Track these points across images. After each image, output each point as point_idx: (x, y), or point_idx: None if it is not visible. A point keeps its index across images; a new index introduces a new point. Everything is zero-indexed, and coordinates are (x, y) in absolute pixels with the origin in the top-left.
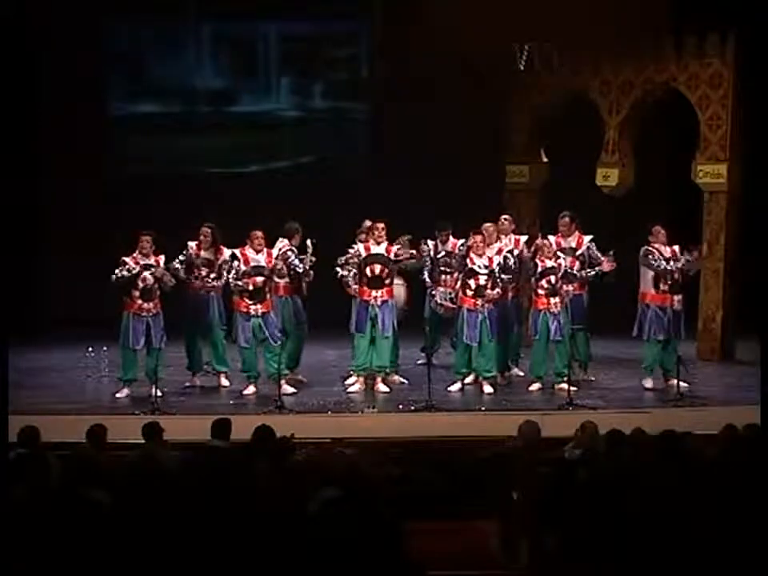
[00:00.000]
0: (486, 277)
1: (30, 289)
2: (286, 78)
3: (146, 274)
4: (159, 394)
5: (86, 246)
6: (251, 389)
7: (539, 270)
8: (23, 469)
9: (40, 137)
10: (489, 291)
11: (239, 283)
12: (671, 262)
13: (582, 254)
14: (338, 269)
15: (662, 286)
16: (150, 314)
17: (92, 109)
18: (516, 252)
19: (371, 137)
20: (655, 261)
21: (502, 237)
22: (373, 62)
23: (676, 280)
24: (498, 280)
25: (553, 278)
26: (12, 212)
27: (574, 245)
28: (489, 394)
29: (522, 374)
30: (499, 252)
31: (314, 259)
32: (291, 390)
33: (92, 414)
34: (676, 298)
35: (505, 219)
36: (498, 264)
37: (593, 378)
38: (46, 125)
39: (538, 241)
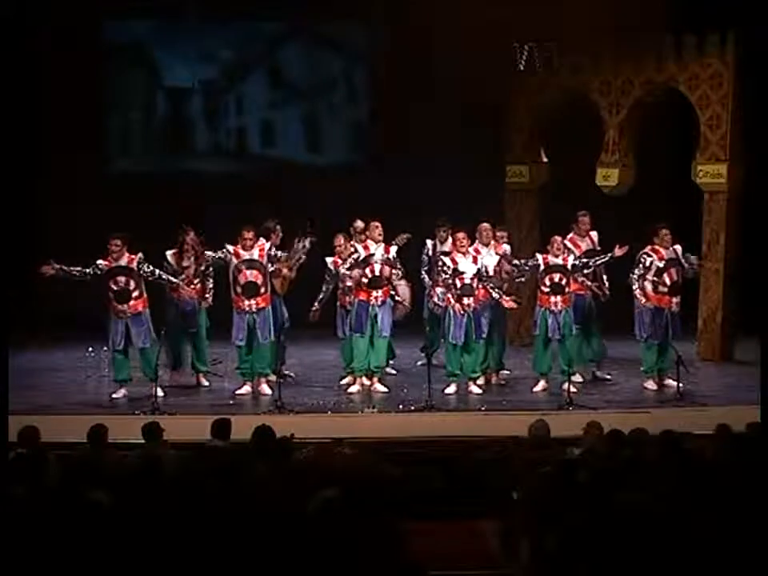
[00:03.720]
0: (470, 276)
1: (30, 289)
2: (286, 78)
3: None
4: (161, 393)
5: (85, 246)
6: (246, 388)
7: (542, 266)
8: (23, 469)
9: (40, 137)
10: (478, 291)
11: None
12: (669, 264)
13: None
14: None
15: (660, 288)
16: (127, 315)
17: (92, 109)
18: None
19: (371, 137)
20: (642, 267)
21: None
22: (373, 62)
23: (675, 281)
24: (485, 281)
25: (557, 277)
26: (12, 212)
27: (589, 245)
28: (477, 394)
29: (507, 371)
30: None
31: (303, 258)
32: (268, 390)
33: (92, 414)
34: (674, 300)
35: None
36: (483, 265)
37: (608, 377)
38: (45, 125)
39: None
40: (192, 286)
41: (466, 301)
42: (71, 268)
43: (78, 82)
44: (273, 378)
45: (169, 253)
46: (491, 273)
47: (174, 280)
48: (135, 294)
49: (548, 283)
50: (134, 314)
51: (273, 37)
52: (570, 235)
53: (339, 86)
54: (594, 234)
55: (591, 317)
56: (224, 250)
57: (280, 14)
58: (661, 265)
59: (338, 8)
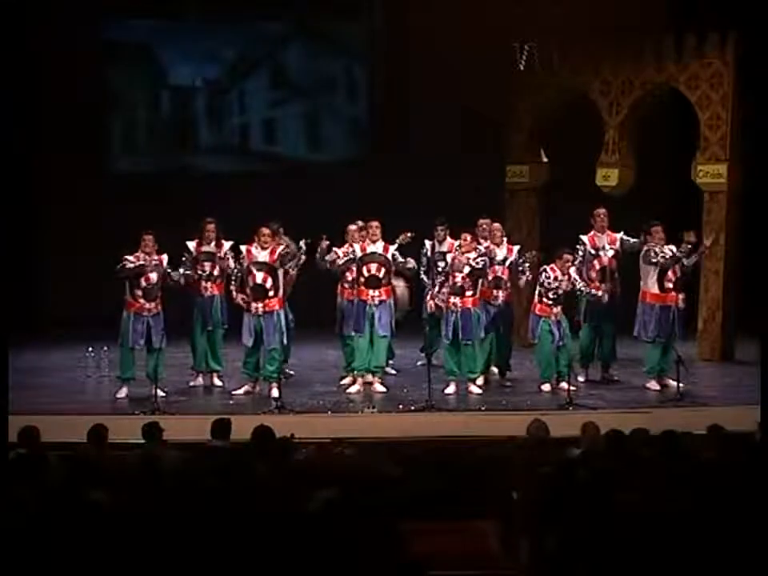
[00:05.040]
0: (462, 276)
1: (30, 289)
2: (286, 78)
3: (173, 273)
4: (161, 393)
5: (85, 246)
6: (245, 388)
7: (551, 280)
8: (23, 469)
9: (39, 137)
10: (468, 291)
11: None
12: (674, 257)
13: (617, 252)
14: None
15: (666, 284)
16: (151, 313)
17: (93, 108)
18: (510, 259)
19: (371, 137)
20: (656, 256)
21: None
22: (373, 62)
23: (680, 277)
24: (478, 279)
25: (560, 290)
26: (12, 212)
27: (607, 242)
28: (477, 394)
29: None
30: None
31: (303, 257)
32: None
33: (92, 414)
34: (680, 296)
35: (495, 229)
36: (477, 264)
37: (616, 378)
38: (45, 125)
39: (567, 257)
40: (212, 282)
41: (453, 300)
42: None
43: (79, 81)
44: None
45: (190, 243)
46: (499, 273)
47: (190, 273)
48: (160, 293)
49: (552, 296)
50: (156, 314)
51: (274, 37)
52: (591, 233)
53: (339, 85)
54: (617, 236)
55: (605, 317)
56: (238, 255)
57: (281, 14)
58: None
59: (339, 8)
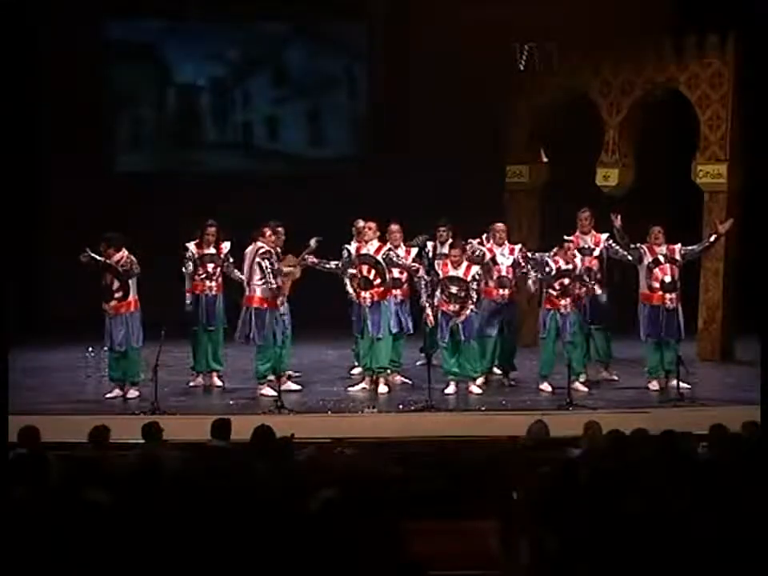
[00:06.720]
0: (456, 288)
1: (30, 289)
2: (286, 78)
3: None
4: (134, 394)
5: (85, 246)
6: (268, 390)
7: (554, 270)
8: (23, 469)
9: (40, 136)
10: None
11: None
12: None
13: (600, 253)
14: (344, 274)
15: (653, 284)
16: (108, 315)
17: (94, 107)
18: (513, 258)
19: (371, 137)
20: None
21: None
22: (373, 62)
23: (670, 277)
24: (473, 291)
25: (566, 280)
26: (12, 211)
27: (591, 244)
28: (477, 394)
29: (499, 372)
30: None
31: (308, 257)
32: (295, 387)
33: (92, 414)
34: (668, 296)
35: (497, 229)
36: (473, 276)
37: (615, 378)
38: (46, 124)
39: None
40: (214, 281)
41: (451, 307)
42: (99, 257)
43: (82, 80)
44: (272, 377)
45: (190, 243)
46: (504, 273)
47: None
48: (117, 294)
49: (557, 287)
50: (115, 316)
51: (276, 36)
52: (577, 233)
53: (340, 84)
54: (603, 236)
55: (591, 318)
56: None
57: (283, 15)
58: (652, 262)
59: (339, 8)
